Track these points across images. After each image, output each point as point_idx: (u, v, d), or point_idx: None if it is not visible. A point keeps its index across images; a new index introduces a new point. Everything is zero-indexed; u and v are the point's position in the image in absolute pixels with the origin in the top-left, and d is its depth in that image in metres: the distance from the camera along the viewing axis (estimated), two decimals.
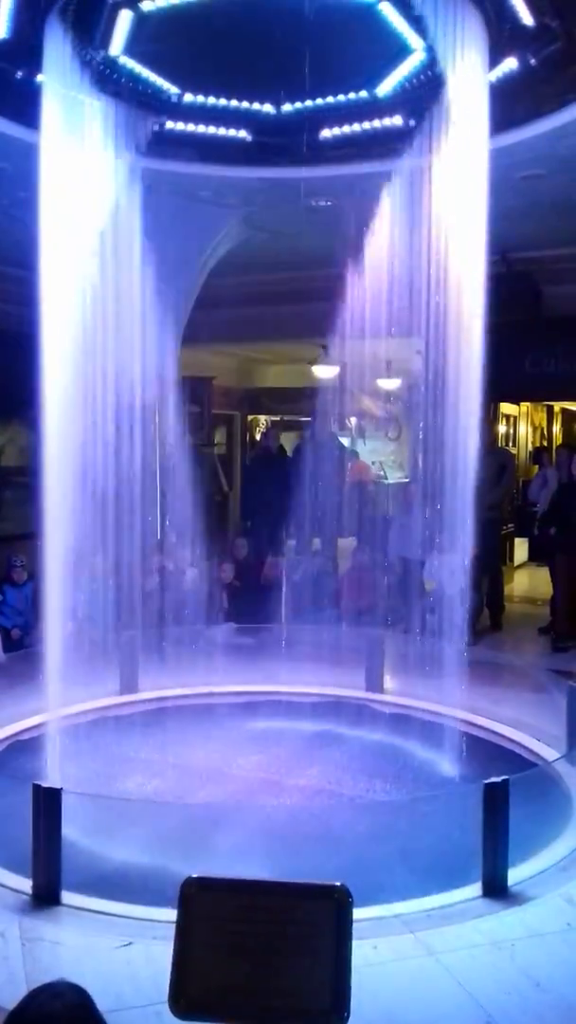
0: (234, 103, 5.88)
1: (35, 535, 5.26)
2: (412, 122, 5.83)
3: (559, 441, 14.18)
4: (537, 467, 11.22)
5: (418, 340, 6.33)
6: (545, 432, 14.69)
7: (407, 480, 10.88)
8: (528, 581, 11.56)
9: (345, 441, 11.62)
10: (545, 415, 14.70)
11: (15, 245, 7.16)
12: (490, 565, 9.09)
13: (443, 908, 3.62)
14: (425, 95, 5.46)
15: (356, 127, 6.12)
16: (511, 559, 11.70)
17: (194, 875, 2.05)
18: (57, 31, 4.75)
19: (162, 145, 6.06)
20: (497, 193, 5.07)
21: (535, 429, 14.33)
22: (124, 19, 4.88)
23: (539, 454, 12.08)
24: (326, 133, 6.16)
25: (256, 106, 5.90)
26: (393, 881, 3.78)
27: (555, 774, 4.82)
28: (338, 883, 2.03)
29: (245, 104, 5.90)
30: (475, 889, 3.73)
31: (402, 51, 5.22)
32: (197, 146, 6.30)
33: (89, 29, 4.93)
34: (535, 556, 11.64)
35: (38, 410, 5.04)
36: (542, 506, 9.34)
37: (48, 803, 3.64)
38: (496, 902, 3.67)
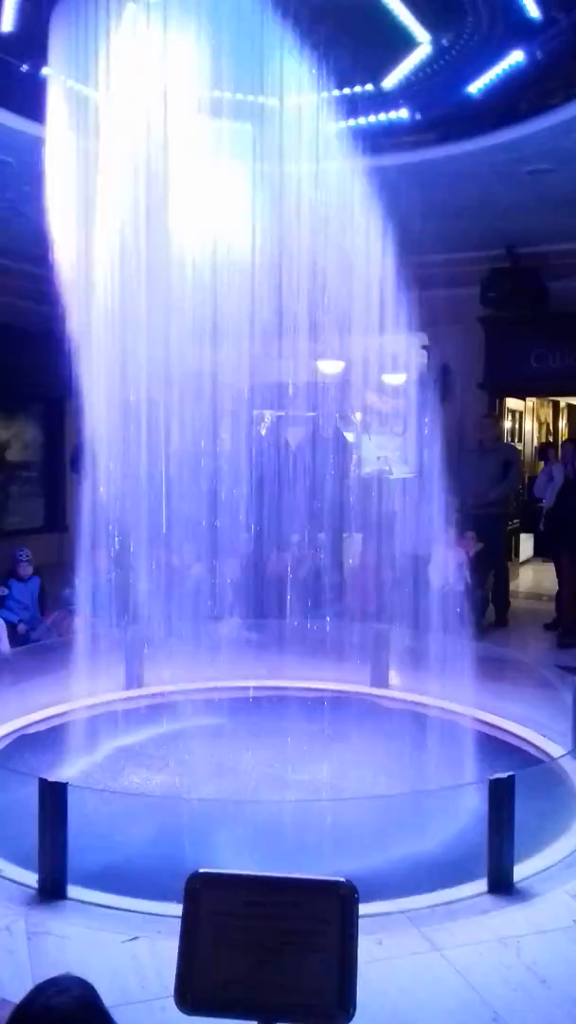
0: (239, 96, 5.86)
1: (41, 530, 5.27)
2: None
3: (565, 436, 14.13)
4: (543, 463, 11.18)
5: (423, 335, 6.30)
6: (551, 427, 14.64)
7: (411, 475, 10.85)
8: (533, 577, 11.54)
9: (350, 436, 11.58)
10: (551, 410, 14.65)
11: (20, 240, 7.17)
12: (495, 561, 9.09)
13: (449, 904, 3.62)
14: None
15: (362, 120, 6.10)
16: (517, 555, 11.67)
17: (200, 870, 2.04)
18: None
19: None
20: (503, 187, 5.04)
21: (541, 424, 14.27)
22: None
23: (545, 449, 12.04)
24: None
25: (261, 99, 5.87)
26: (398, 877, 3.77)
27: (561, 770, 4.81)
28: (343, 878, 2.02)
29: (251, 97, 5.87)
30: (481, 885, 3.73)
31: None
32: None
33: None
34: (541, 552, 11.62)
35: (42, 405, 5.03)
36: (548, 502, 9.32)
37: (54, 797, 3.65)
38: (502, 898, 3.66)
